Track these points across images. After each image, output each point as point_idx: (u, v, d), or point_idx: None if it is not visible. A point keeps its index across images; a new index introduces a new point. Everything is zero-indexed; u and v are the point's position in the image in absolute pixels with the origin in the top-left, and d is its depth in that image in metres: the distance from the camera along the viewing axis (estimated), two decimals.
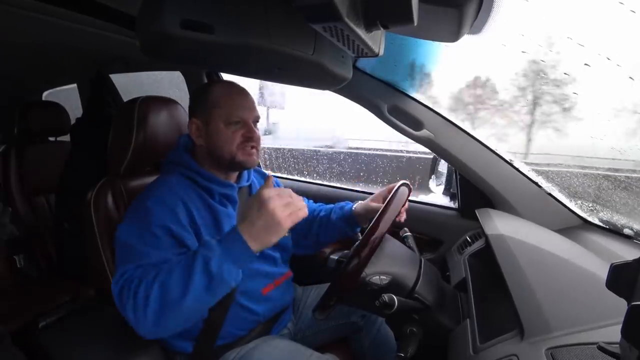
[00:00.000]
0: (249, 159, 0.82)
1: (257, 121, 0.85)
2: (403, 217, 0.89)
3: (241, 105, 0.81)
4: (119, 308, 0.65)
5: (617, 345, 0.36)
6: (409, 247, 0.91)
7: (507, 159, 1.04)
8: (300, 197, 0.67)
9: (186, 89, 1.56)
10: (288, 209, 0.62)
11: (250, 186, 0.95)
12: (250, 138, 0.81)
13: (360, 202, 1.00)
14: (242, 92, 0.83)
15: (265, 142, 2.35)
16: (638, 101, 0.90)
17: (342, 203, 1.04)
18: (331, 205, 1.06)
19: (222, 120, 0.80)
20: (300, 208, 0.64)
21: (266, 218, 0.61)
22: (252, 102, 0.84)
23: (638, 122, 0.95)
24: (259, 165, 1.64)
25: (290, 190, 0.66)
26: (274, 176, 1.13)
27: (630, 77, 0.75)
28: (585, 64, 0.80)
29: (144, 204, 0.74)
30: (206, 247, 0.63)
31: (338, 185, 1.60)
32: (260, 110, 0.88)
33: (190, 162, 0.83)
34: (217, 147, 0.81)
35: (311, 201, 1.13)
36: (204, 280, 0.61)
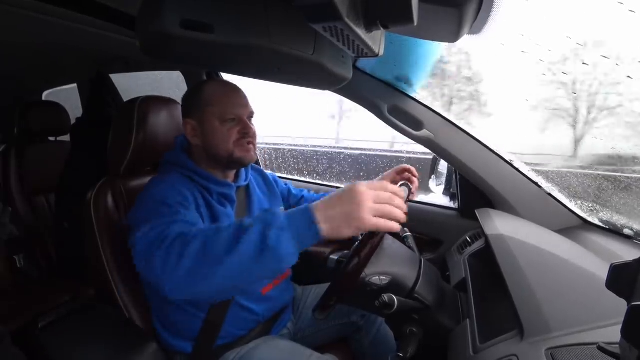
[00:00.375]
0: (247, 154, 0.82)
1: (252, 117, 0.85)
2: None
3: (235, 102, 0.81)
4: (140, 265, 0.60)
5: (617, 346, 0.36)
6: (409, 247, 0.91)
7: (507, 159, 1.04)
8: (403, 209, 0.58)
9: (186, 88, 1.56)
10: (379, 211, 0.55)
11: (248, 185, 0.95)
12: (247, 134, 0.81)
13: None
14: (235, 89, 0.83)
15: None
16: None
17: None
18: None
19: (217, 118, 0.79)
20: (394, 219, 0.56)
21: (351, 206, 0.54)
22: (246, 98, 0.84)
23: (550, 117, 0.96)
24: (257, 164, 1.64)
25: (397, 192, 0.58)
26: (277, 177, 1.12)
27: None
28: (583, 63, 0.80)
29: (149, 193, 0.74)
30: (269, 213, 0.56)
31: (338, 185, 1.60)
32: None
33: (187, 161, 0.83)
34: (214, 146, 0.81)
35: (312, 192, 1.13)
36: (256, 243, 0.54)
